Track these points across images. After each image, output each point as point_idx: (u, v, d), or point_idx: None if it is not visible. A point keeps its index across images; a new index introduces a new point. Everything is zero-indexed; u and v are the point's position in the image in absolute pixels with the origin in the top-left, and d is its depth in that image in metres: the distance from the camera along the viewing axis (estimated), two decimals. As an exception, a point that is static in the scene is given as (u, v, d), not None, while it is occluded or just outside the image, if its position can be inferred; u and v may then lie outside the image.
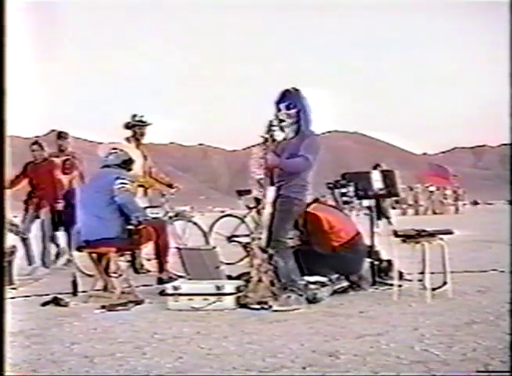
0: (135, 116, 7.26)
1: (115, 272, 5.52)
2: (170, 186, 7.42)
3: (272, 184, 4.92)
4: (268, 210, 4.83)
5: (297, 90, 4.99)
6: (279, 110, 4.96)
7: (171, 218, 7.04)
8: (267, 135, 7.00)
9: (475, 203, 50.66)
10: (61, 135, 8.36)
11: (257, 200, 7.23)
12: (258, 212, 5.11)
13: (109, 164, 5.61)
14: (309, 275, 5.08)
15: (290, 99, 4.93)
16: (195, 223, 7.30)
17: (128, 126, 7.27)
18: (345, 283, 5.33)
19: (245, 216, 8.34)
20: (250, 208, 8.06)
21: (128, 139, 7.09)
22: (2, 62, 2.65)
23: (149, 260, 6.61)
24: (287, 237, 4.90)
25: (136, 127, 7.23)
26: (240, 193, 8.86)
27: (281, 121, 4.94)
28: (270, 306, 4.63)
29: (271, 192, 4.88)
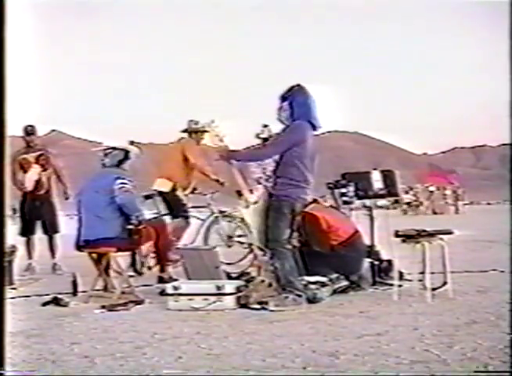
0: (192, 121, 7.31)
1: (119, 272, 5.51)
2: (217, 181, 7.41)
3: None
4: (254, 207, 4.85)
5: (297, 85, 4.99)
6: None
7: (217, 217, 7.20)
8: (263, 135, 7.02)
9: (470, 203, 50.90)
10: (28, 131, 7.69)
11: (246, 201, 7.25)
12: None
13: (107, 164, 5.62)
14: (309, 275, 5.08)
15: (283, 93, 4.97)
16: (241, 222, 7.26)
17: (185, 131, 7.37)
18: (345, 283, 5.32)
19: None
20: None
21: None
22: (2, 62, 2.65)
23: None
24: (283, 237, 4.82)
25: (194, 133, 7.31)
26: (240, 192, 8.85)
27: (279, 114, 5.00)
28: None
29: (258, 191, 4.93)
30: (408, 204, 31.15)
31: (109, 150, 5.65)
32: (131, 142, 6.58)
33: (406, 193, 31.45)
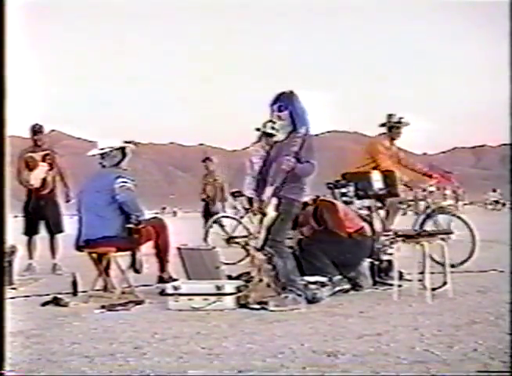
0: (391, 116, 7.23)
1: (122, 272, 5.49)
2: (429, 176, 7.32)
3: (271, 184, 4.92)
4: (271, 213, 4.79)
5: (291, 92, 4.96)
6: (272, 112, 4.95)
7: (434, 211, 6.99)
8: (270, 131, 6.96)
9: (470, 203, 51.48)
10: (35, 129, 7.74)
11: (250, 201, 7.26)
12: (254, 213, 5.14)
13: (107, 166, 5.61)
14: (332, 261, 5.31)
15: (281, 101, 4.90)
16: (459, 217, 7.05)
17: (384, 125, 7.26)
18: (347, 286, 5.34)
19: (242, 217, 8.32)
20: (246, 209, 8.06)
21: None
22: (2, 62, 2.65)
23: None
24: (286, 238, 4.90)
25: (394, 127, 7.23)
26: (234, 194, 8.86)
27: (273, 122, 4.97)
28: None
29: (269, 193, 4.89)
30: (496, 202, 33.35)
31: (107, 152, 5.63)
32: (129, 142, 6.57)
33: (494, 191, 33.79)
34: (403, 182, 7.07)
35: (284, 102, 4.89)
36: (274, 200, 4.79)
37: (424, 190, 7.04)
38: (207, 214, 11.21)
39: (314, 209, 5.63)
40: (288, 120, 4.88)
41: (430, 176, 7.31)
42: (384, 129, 7.30)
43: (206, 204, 11.63)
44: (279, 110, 4.89)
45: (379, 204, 6.77)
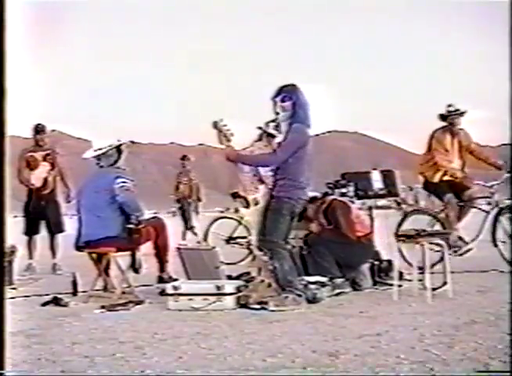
0: (449, 106, 7.09)
1: (122, 272, 5.49)
2: (499, 168, 7.10)
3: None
4: (256, 208, 4.84)
5: (293, 85, 4.95)
6: (275, 104, 4.92)
7: (502, 209, 6.54)
8: (269, 130, 6.94)
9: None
10: (38, 129, 7.73)
11: (247, 201, 7.24)
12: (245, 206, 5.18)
13: (105, 165, 5.60)
14: (338, 263, 5.36)
15: (285, 92, 4.88)
16: None
17: (443, 117, 7.10)
18: (348, 289, 5.34)
19: (242, 217, 8.31)
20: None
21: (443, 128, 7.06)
22: (2, 62, 2.65)
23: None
24: (281, 238, 4.81)
25: (450, 117, 7.07)
26: (234, 195, 8.84)
27: (277, 113, 4.92)
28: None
29: (261, 191, 4.92)
30: None
31: (103, 153, 5.59)
32: (132, 142, 6.55)
33: None
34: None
35: (288, 93, 4.87)
36: (260, 195, 4.82)
37: (491, 187, 6.74)
38: (184, 214, 11.46)
39: (326, 207, 5.62)
40: (291, 111, 4.85)
41: (500, 168, 7.08)
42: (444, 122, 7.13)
43: (182, 204, 11.83)
44: (283, 101, 4.86)
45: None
